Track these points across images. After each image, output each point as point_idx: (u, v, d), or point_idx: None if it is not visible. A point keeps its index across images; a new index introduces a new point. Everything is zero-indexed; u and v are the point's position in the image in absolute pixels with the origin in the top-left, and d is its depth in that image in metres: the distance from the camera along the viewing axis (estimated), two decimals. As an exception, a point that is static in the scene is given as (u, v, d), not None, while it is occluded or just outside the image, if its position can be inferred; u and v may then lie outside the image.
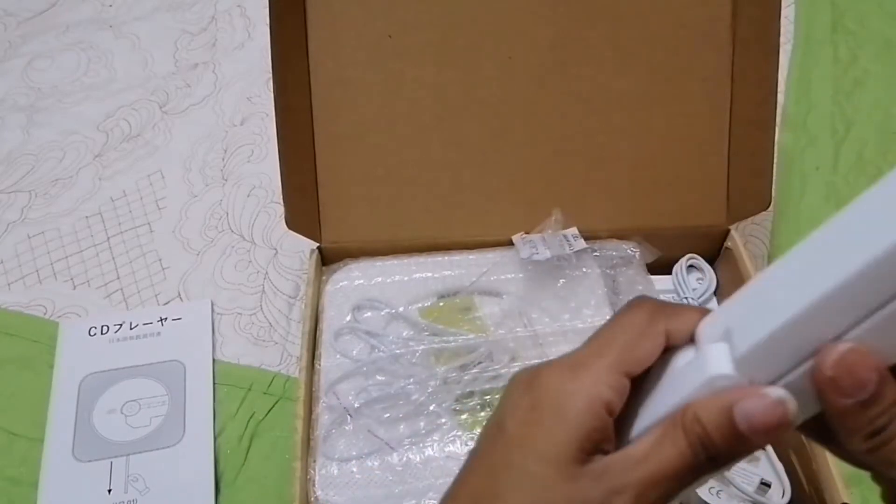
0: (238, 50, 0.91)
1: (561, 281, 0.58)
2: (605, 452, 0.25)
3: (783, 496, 0.49)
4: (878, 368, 0.22)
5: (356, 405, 0.52)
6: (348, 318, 0.58)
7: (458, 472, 0.27)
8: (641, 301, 0.27)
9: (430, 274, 0.60)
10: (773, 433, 0.23)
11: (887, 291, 0.21)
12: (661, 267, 0.62)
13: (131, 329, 0.64)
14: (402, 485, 0.49)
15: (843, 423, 0.22)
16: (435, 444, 0.51)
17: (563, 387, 0.25)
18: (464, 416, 0.52)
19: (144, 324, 0.64)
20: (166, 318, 0.64)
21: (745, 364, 0.24)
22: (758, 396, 0.23)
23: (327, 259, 0.62)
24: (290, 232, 0.59)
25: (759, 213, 0.60)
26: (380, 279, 0.60)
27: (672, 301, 0.47)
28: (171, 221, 0.74)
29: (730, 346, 0.24)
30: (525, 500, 0.24)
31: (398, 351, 0.55)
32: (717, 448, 0.23)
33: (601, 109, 0.60)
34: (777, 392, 0.23)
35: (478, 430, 0.52)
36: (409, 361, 0.55)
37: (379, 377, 0.54)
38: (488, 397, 0.53)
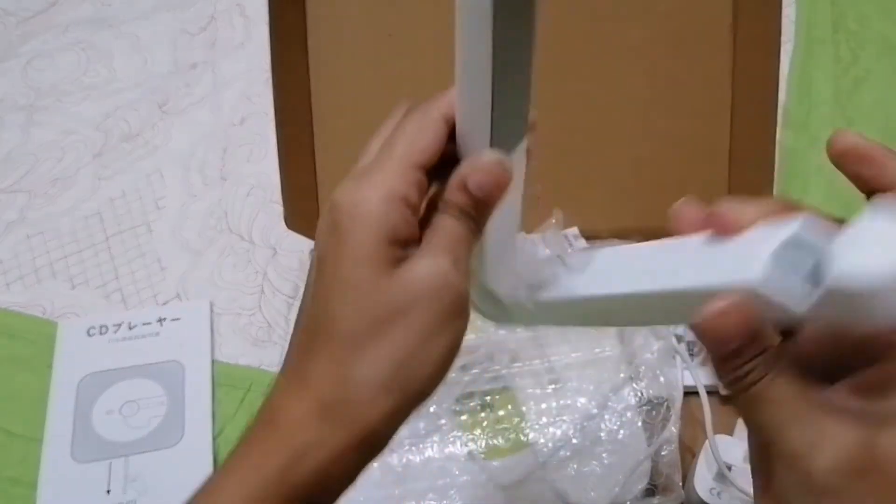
0: (237, 49, 0.90)
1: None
2: (412, 246, 0.27)
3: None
4: (748, 324, 0.23)
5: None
6: (348, 318, 0.58)
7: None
8: (410, 110, 0.29)
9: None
10: (499, 185, 0.27)
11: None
12: (661, 267, 0.62)
13: (130, 329, 0.63)
14: (402, 486, 0.49)
15: (713, 365, 0.24)
16: (434, 445, 0.51)
17: (354, 197, 0.26)
18: (464, 417, 0.52)
19: (143, 324, 0.64)
20: (165, 319, 0.64)
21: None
22: (479, 165, 0.26)
23: (327, 259, 0.62)
24: (290, 232, 0.59)
25: (760, 213, 0.59)
26: (379, 279, 0.60)
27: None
28: (170, 221, 0.74)
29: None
30: (351, 308, 0.25)
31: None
32: (471, 212, 0.27)
33: (602, 109, 0.60)
34: (491, 158, 0.26)
35: (478, 432, 0.52)
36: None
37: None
38: (488, 398, 0.53)
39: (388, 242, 0.26)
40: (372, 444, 0.27)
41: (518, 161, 0.28)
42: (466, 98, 0.27)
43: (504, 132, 0.27)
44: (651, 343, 0.55)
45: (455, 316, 0.26)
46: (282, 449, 0.26)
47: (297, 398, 0.26)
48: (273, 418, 0.27)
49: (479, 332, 0.56)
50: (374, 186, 0.26)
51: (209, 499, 0.27)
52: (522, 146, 0.28)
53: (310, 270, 0.25)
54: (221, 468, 0.28)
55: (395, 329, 0.25)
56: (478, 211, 0.27)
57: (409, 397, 0.26)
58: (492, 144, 0.27)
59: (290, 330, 0.64)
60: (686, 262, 0.28)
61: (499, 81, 0.25)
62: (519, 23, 0.25)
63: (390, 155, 0.27)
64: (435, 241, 0.27)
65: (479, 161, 0.27)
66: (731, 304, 0.23)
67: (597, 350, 0.54)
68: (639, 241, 0.62)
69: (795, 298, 0.23)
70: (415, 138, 0.27)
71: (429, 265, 0.26)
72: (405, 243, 0.26)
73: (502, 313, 0.34)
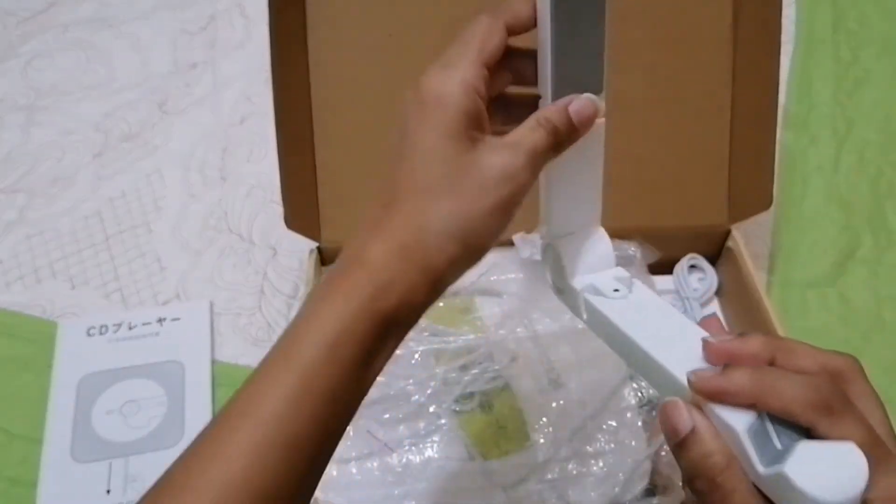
0: (237, 49, 0.90)
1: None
2: (482, 132, 0.32)
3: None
4: (694, 422, 0.28)
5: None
6: (348, 318, 0.58)
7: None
8: (481, 15, 0.34)
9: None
10: (589, 119, 0.35)
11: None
12: (662, 267, 0.62)
13: (130, 329, 0.63)
14: (402, 486, 0.49)
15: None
16: (435, 446, 0.51)
17: (440, 83, 0.32)
18: (464, 417, 0.52)
19: (143, 324, 0.64)
20: (165, 319, 0.64)
21: None
22: (580, 100, 0.34)
23: (326, 259, 0.62)
24: (290, 232, 0.58)
25: (761, 212, 0.60)
26: (379, 279, 0.60)
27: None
28: (169, 221, 0.74)
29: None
30: (433, 171, 0.31)
31: (398, 351, 0.55)
32: (561, 133, 0.34)
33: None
34: (590, 96, 0.35)
35: (478, 431, 0.52)
36: (409, 362, 0.54)
37: (378, 378, 0.54)
38: (489, 398, 0.53)
39: (467, 123, 0.31)
40: (438, 284, 0.32)
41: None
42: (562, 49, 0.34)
43: (589, 80, 0.35)
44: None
45: (513, 205, 0.32)
46: (368, 283, 0.30)
47: (380, 242, 0.31)
48: (358, 259, 0.31)
49: (479, 332, 0.56)
50: (455, 76, 0.32)
51: (307, 325, 0.30)
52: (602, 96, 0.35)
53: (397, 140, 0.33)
54: (309, 302, 0.31)
55: (466, 195, 0.31)
56: (567, 134, 0.34)
57: (468, 250, 0.32)
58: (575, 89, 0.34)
59: (290, 330, 0.64)
60: (686, 354, 0.31)
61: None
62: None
63: (466, 53, 0.32)
64: (521, 142, 0.32)
65: (580, 96, 0.34)
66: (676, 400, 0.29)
67: (597, 349, 0.54)
68: (639, 241, 0.63)
69: (761, 459, 0.26)
70: (486, 40, 0.33)
71: (509, 156, 0.32)
72: (477, 126, 0.32)
73: (568, 295, 0.39)
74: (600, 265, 0.39)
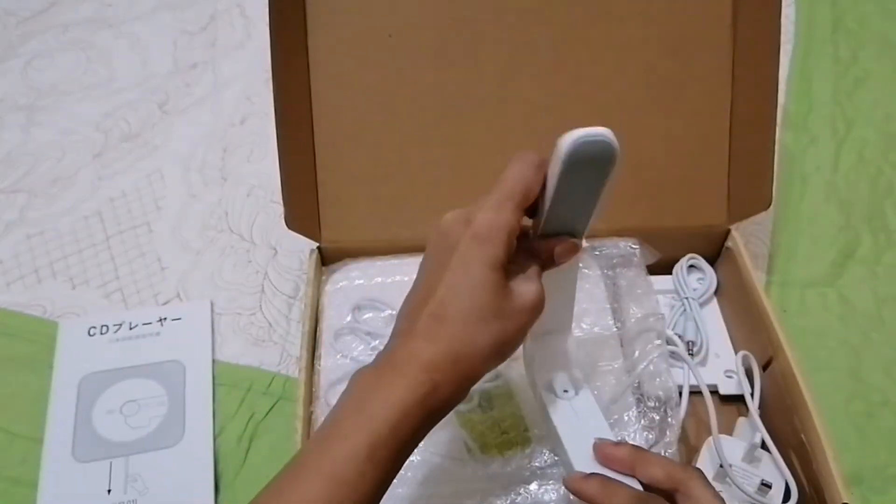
0: (237, 49, 0.90)
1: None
2: (510, 262, 0.38)
3: (790, 499, 0.49)
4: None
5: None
6: (348, 318, 0.58)
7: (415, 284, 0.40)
8: (526, 155, 0.38)
9: (430, 274, 0.60)
10: (568, 257, 0.41)
11: None
12: (661, 267, 0.62)
13: (131, 329, 0.63)
14: (403, 486, 0.49)
15: None
16: (435, 445, 0.51)
17: (493, 223, 0.37)
18: (464, 417, 0.52)
19: (144, 324, 0.64)
20: (166, 319, 0.64)
21: None
22: (566, 244, 0.41)
23: (327, 259, 0.62)
24: (290, 232, 0.59)
25: (760, 212, 0.60)
26: (380, 279, 0.60)
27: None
28: (170, 221, 0.74)
29: None
30: (483, 298, 0.36)
31: (398, 351, 0.55)
32: (548, 265, 0.41)
33: (601, 109, 0.60)
34: (574, 242, 0.41)
35: (478, 431, 0.52)
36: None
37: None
38: (489, 398, 0.53)
39: (506, 258, 0.37)
40: (469, 389, 0.38)
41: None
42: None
43: (575, 228, 0.41)
44: (650, 349, 0.55)
45: (535, 321, 0.39)
46: (425, 381, 0.35)
47: (433, 348, 0.36)
48: (412, 359, 0.36)
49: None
50: (504, 220, 0.37)
51: (373, 406, 0.35)
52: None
53: (429, 255, 0.40)
54: (363, 388, 0.37)
55: (510, 319, 0.37)
56: (549, 265, 0.41)
57: (502, 359, 0.39)
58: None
59: (291, 329, 0.64)
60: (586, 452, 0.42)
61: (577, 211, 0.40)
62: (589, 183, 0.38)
63: (514, 198, 0.37)
64: (532, 273, 0.39)
65: (566, 241, 0.41)
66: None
67: (599, 363, 0.54)
68: (639, 241, 0.63)
69: None
70: (530, 189, 0.38)
71: (538, 288, 0.39)
72: (510, 259, 0.38)
73: (532, 386, 0.48)
74: (563, 364, 0.47)
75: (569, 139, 0.35)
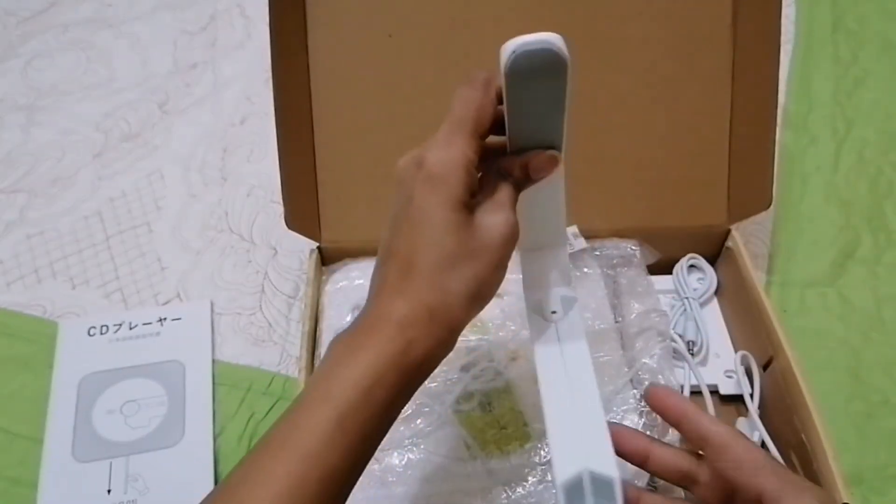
0: (237, 49, 0.90)
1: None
2: (474, 196, 0.36)
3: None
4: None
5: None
6: (348, 318, 0.58)
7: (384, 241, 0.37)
8: (472, 75, 0.37)
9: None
10: (546, 171, 0.38)
11: None
12: (661, 267, 0.62)
13: (131, 329, 0.63)
14: (403, 485, 0.49)
15: None
16: (436, 445, 0.51)
17: (445, 159, 0.35)
18: (464, 417, 0.52)
19: (144, 324, 0.64)
20: (166, 319, 0.64)
21: None
22: (539, 158, 0.37)
23: (327, 259, 0.62)
24: (290, 232, 0.59)
25: (760, 212, 0.60)
26: (380, 279, 0.60)
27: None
28: (170, 221, 0.74)
29: None
30: (448, 241, 0.34)
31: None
32: (521, 182, 0.38)
33: (601, 109, 0.60)
34: (549, 153, 0.37)
35: (478, 431, 0.52)
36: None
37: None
38: (489, 398, 0.53)
39: (467, 193, 0.35)
40: (457, 335, 0.36)
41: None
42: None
43: (547, 139, 0.37)
44: (652, 346, 0.55)
45: (511, 253, 0.37)
46: (399, 338, 0.33)
47: (404, 304, 0.34)
48: (386, 317, 0.34)
49: (479, 333, 0.56)
50: (457, 154, 0.35)
51: (343, 371, 0.33)
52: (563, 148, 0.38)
53: (395, 209, 0.38)
54: (339, 350, 0.35)
55: (478, 257, 0.35)
56: (526, 182, 0.38)
57: (483, 301, 0.36)
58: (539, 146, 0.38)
59: (291, 329, 0.64)
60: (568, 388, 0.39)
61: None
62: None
63: (464, 129, 0.36)
64: (502, 199, 0.36)
65: (539, 154, 0.37)
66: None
67: (599, 354, 0.54)
68: (639, 241, 0.63)
69: None
70: (481, 116, 0.36)
71: (503, 215, 0.36)
72: (472, 193, 0.36)
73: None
74: (555, 282, 0.43)
75: (506, 51, 0.31)
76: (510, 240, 0.36)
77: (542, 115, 0.35)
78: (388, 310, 0.34)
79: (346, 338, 0.35)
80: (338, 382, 0.33)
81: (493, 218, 0.36)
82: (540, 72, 0.32)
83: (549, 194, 0.39)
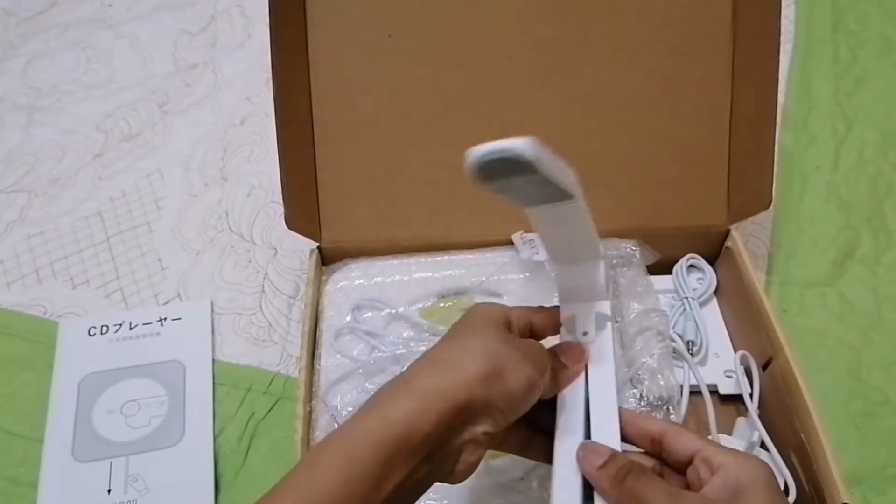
0: (238, 49, 0.90)
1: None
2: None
3: (788, 496, 0.49)
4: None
5: (354, 406, 0.52)
6: (348, 318, 0.58)
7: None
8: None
9: (430, 274, 0.60)
10: (578, 373, 0.42)
11: None
12: (661, 267, 0.62)
13: (131, 329, 0.64)
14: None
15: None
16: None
17: (498, 307, 0.40)
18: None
19: (144, 324, 0.64)
20: (166, 318, 0.64)
21: None
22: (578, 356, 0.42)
23: (327, 259, 0.62)
24: (290, 232, 0.59)
25: (760, 212, 0.60)
26: (380, 279, 0.60)
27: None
28: (170, 221, 0.74)
29: None
30: (467, 341, 0.37)
31: (399, 351, 0.55)
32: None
33: (601, 109, 0.60)
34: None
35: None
36: (410, 362, 0.54)
37: (379, 378, 0.54)
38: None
39: (512, 324, 0.40)
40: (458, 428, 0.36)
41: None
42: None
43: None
44: (651, 346, 0.55)
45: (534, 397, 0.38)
46: (404, 403, 0.34)
47: (424, 376, 0.36)
48: (404, 383, 0.35)
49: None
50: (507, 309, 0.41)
51: (351, 435, 0.33)
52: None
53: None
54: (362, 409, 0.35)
55: (506, 359, 0.36)
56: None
57: (494, 398, 0.36)
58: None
59: (291, 329, 0.64)
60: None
61: None
62: None
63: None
64: (540, 363, 0.38)
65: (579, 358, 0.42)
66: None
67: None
68: (639, 242, 0.63)
69: None
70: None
71: (538, 344, 0.40)
72: (511, 329, 0.40)
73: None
74: (590, 296, 0.42)
75: (468, 160, 0.31)
76: (538, 362, 0.38)
77: (533, 192, 0.35)
78: (411, 377, 0.36)
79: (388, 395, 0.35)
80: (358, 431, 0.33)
81: (529, 341, 0.39)
82: (507, 173, 0.31)
83: (574, 220, 0.39)
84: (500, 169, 0.31)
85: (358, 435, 0.32)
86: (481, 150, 0.30)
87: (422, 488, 0.35)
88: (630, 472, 0.36)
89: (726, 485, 0.35)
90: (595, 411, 0.39)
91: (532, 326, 0.42)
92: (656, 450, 0.39)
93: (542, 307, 0.43)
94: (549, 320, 0.43)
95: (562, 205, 0.36)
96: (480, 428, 0.35)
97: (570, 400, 0.40)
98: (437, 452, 0.34)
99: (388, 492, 0.32)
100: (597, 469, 0.36)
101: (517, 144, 0.30)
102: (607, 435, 0.39)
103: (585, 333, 0.42)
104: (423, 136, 0.60)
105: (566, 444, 0.38)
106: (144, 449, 0.56)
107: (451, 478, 0.36)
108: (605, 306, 0.42)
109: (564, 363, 0.41)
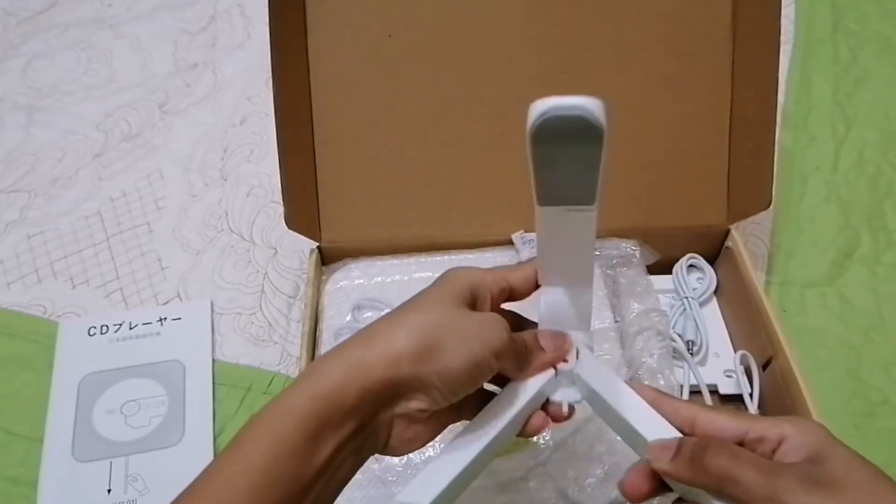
0: (237, 49, 0.90)
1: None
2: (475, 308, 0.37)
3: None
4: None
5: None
6: (348, 317, 0.58)
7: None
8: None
9: (430, 274, 0.60)
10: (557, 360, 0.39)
11: None
12: (661, 267, 0.62)
13: (131, 329, 0.64)
14: (403, 485, 0.49)
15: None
16: (435, 444, 0.51)
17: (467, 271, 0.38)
18: (464, 417, 0.52)
19: (144, 324, 0.64)
20: (166, 318, 0.64)
21: None
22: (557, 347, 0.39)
23: (327, 259, 0.62)
24: (290, 231, 0.59)
25: (760, 212, 0.60)
26: (380, 279, 0.60)
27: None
28: (170, 221, 0.74)
29: None
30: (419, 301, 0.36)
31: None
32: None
33: (601, 109, 0.60)
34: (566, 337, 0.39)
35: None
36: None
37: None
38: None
39: (474, 302, 0.37)
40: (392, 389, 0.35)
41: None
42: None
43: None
44: (651, 345, 0.55)
45: (470, 388, 0.35)
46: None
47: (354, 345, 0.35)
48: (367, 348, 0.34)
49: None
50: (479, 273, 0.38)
51: (278, 411, 0.32)
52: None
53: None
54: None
55: (453, 326, 0.35)
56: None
57: (424, 368, 0.34)
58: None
59: (291, 329, 0.64)
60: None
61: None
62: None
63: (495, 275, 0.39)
64: (493, 341, 0.35)
65: (559, 346, 0.39)
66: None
67: (598, 353, 0.54)
68: (639, 242, 0.63)
69: None
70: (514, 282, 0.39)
71: (497, 317, 0.36)
72: (476, 299, 0.37)
73: None
74: (574, 324, 0.40)
75: (534, 112, 0.28)
76: (494, 334, 0.35)
77: (572, 176, 0.32)
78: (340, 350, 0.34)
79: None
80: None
81: (487, 313, 0.37)
82: (572, 138, 0.29)
83: (580, 231, 0.37)
84: (564, 130, 0.28)
85: (284, 411, 0.31)
86: (550, 102, 0.27)
87: (358, 460, 0.34)
88: (706, 448, 0.32)
89: (801, 452, 0.31)
90: (628, 414, 0.36)
91: (511, 289, 0.39)
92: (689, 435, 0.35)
93: (521, 263, 0.41)
94: (528, 277, 0.40)
95: (579, 210, 0.35)
96: (414, 405, 0.34)
97: (517, 390, 0.38)
98: (366, 426, 0.33)
99: (318, 465, 0.31)
100: (671, 462, 0.33)
101: (592, 105, 0.27)
102: (657, 427, 0.35)
103: (565, 361, 0.39)
104: (423, 136, 0.60)
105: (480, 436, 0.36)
106: (144, 449, 0.56)
107: (389, 450, 0.36)
108: (587, 336, 0.40)
109: (542, 346, 0.38)
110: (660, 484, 0.34)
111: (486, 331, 0.35)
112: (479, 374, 0.35)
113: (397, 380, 0.33)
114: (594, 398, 0.38)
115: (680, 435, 0.35)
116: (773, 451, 0.32)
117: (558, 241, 0.37)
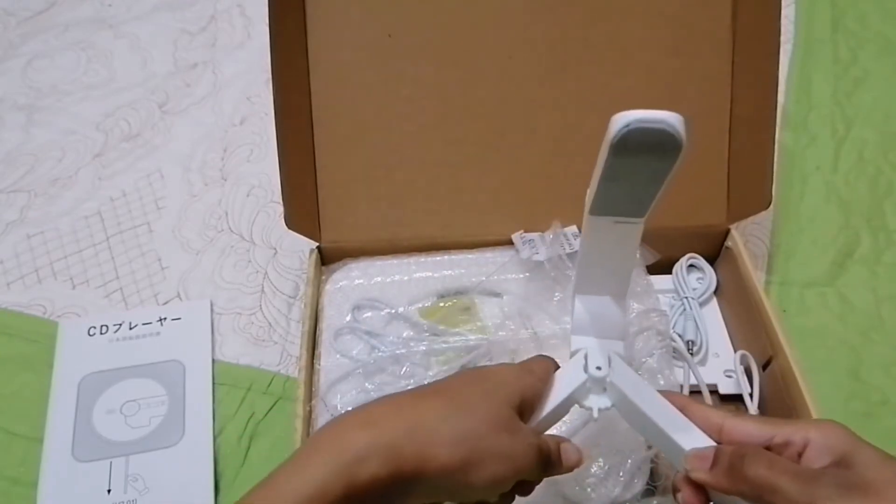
0: (237, 49, 0.90)
1: (561, 281, 0.58)
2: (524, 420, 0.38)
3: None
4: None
5: (354, 405, 0.52)
6: (348, 317, 0.58)
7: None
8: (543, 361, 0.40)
9: (430, 274, 0.60)
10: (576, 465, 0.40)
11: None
12: (661, 267, 0.62)
13: (131, 329, 0.64)
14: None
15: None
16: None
17: (520, 379, 0.38)
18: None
19: (144, 324, 0.64)
20: (166, 318, 0.64)
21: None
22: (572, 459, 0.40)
23: (327, 259, 0.62)
24: (290, 231, 0.59)
25: (760, 212, 0.60)
26: (380, 279, 0.60)
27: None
28: (170, 221, 0.74)
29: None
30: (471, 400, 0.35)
31: (398, 351, 0.55)
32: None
33: (601, 109, 0.60)
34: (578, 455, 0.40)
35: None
36: (410, 362, 0.55)
37: (379, 377, 0.54)
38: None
39: (521, 413, 0.37)
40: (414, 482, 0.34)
41: None
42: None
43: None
44: (651, 345, 0.55)
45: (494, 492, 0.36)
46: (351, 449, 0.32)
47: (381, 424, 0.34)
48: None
49: (479, 333, 0.56)
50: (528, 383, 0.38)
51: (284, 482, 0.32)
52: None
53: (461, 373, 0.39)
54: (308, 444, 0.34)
55: (496, 438, 0.35)
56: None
57: (458, 474, 0.34)
58: None
59: (291, 329, 0.64)
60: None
61: None
62: None
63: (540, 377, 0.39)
64: (520, 463, 0.36)
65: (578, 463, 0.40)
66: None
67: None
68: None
69: None
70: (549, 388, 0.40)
71: (540, 442, 0.37)
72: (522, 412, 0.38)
73: None
74: (608, 333, 0.41)
75: (617, 124, 0.30)
76: (530, 459, 0.36)
77: (635, 188, 0.33)
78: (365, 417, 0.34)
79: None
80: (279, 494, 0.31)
81: (534, 434, 0.37)
82: (650, 150, 0.31)
83: (624, 243, 0.38)
84: (646, 143, 0.30)
85: (315, 486, 0.31)
86: (633, 115, 0.29)
87: None
88: (744, 457, 0.32)
89: (827, 455, 0.32)
90: (662, 422, 0.37)
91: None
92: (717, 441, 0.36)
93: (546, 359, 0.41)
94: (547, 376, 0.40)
95: (629, 222, 0.36)
96: (414, 500, 0.34)
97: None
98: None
99: None
100: (710, 472, 0.33)
101: (674, 119, 0.29)
102: (690, 435, 0.36)
103: (599, 368, 0.40)
104: (423, 136, 0.60)
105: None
106: (144, 449, 0.56)
107: None
108: (619, 346, 0.41)
109: (563, 461, 0.39)
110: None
111: (520, 458, 0.35)
112: (494, 489, 0.35)
113: (423, 479, 0.32)
114: (626, 405, 0.39)
115: (714, 444, 0.35)
116: (799, 455, 0.33)
117: (601, 251, 0.37)
